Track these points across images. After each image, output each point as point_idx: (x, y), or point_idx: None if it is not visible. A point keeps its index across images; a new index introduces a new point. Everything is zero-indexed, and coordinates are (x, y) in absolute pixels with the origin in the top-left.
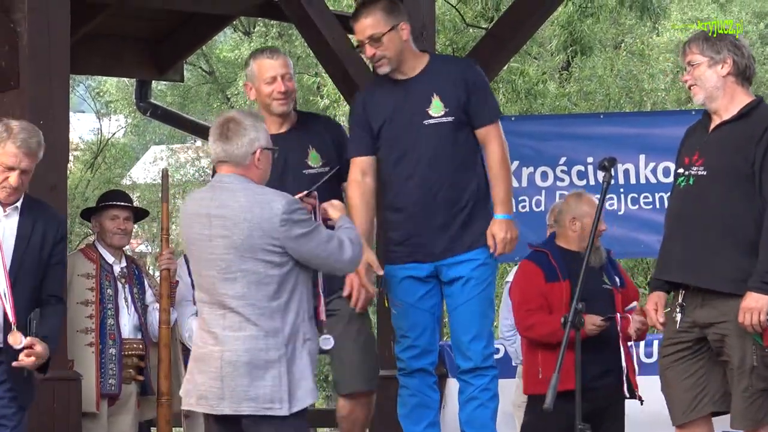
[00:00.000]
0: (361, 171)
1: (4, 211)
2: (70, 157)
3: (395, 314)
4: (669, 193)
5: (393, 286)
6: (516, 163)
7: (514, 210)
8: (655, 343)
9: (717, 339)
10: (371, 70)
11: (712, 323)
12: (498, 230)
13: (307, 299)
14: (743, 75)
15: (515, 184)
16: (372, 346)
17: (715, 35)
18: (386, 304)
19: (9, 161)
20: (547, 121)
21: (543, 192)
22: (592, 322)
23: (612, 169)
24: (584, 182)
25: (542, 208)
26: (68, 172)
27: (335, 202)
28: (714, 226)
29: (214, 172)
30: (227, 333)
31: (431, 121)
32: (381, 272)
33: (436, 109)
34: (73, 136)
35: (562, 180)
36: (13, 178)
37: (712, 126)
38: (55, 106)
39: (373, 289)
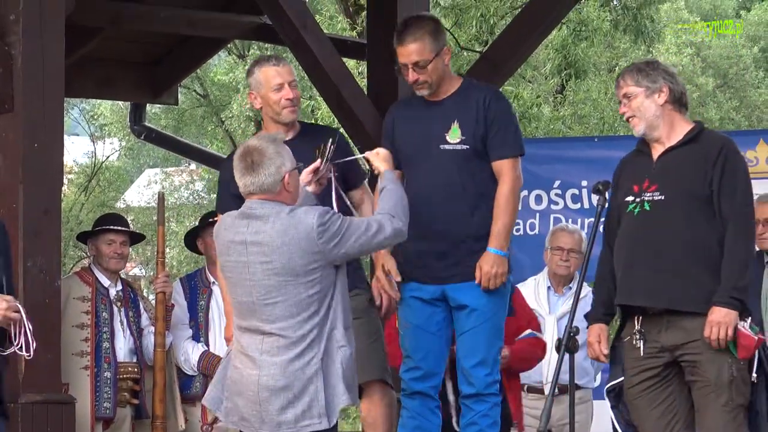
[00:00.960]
0: None
1: None
2: (65, 180)
3: (402, 335)
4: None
5: (400, 306)
6: None
7: None
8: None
9: (688, 359)
10: (366, 94)
11: (679, 345)
12: (485, 263)
13: (343, 308)
14: (680, 102)
15: None
16: (381, 342)
17: (648, 65)
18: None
19: None
20: (541, 145)
21: (537, 215)
22: None
23: (606, 193)
24: (578, 205)
25: (536, 231)
26: (62, 195)
27: (381, 151)
28: (677, 249)
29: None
30: (265, 357)
31: (447, 147)
32: (398, 278)
33: (454, 135)
34: (68, 159)
35: (557, 203)
36: None
37: (656, 154)
38: (49, 129)
39: (395, 293)
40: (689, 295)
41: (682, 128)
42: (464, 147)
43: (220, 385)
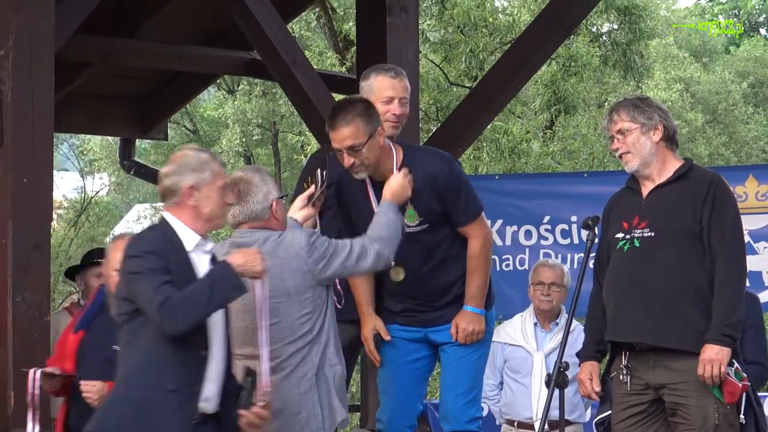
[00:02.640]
0: None
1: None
2: (54, 216)
3: (379, 374)
4: (594, 260)
5: (381, 345)
6: (500, 222)
7: (498, 269)
8: None
9: (673, 400)
10: None
11: (665, 384)
12: (461, 320)
13: (335, 330)
14: (672, 139)
15: (499, 242)
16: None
17: (642, 101)
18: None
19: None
20: (531, 180)
21: (527, 251)
22: None
23: (596, 228)
24: (568, 241)
25: (526, 266)
26: (52, 230)
27: (392, 182)
28: (666, 286)
29: None
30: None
31: (408, 230)
32: (388, 338)
33: (411, 218)
34: (57, 195)
35: (546, 239)
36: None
37: (646, 191)
38: (38, 164)
39: (378, 359)
40: (678, 333)
41: (672, 165)
42: (424, 226)
43: None
